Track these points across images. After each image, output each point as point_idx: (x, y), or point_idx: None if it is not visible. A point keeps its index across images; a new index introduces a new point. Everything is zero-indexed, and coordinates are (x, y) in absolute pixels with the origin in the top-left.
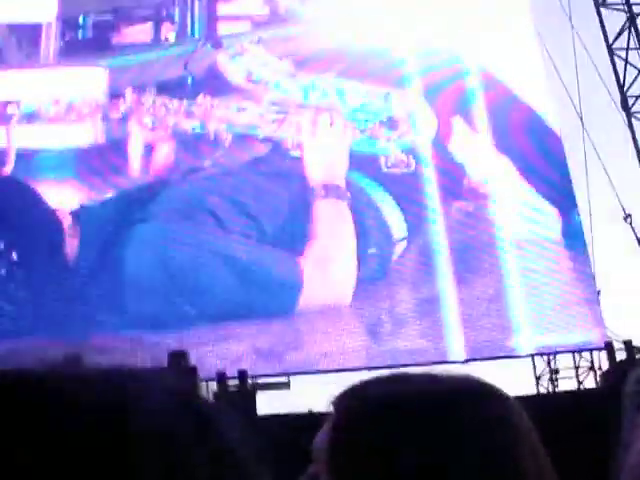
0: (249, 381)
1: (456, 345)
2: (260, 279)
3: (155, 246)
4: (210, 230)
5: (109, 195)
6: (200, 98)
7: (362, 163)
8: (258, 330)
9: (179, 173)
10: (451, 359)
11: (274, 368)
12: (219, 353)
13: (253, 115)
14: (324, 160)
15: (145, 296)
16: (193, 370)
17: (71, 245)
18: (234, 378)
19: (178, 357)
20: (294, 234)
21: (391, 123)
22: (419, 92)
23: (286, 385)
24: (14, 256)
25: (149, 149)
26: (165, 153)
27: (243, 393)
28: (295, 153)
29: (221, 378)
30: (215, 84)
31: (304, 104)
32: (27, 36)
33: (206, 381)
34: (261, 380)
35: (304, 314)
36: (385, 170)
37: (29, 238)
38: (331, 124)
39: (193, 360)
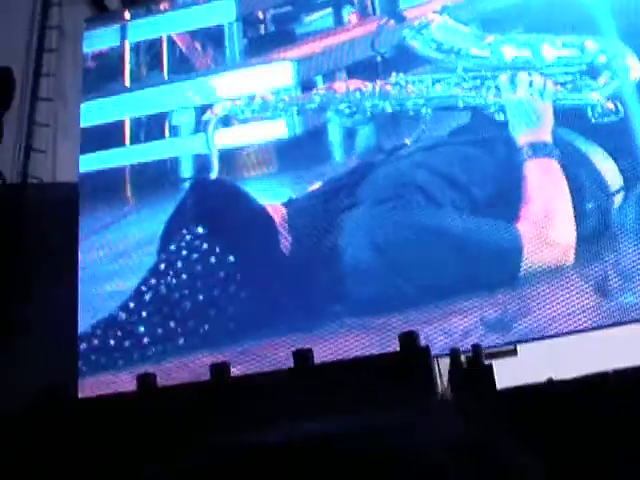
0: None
1: None
2: (479, 250)
3: (368, 230)
4: (421, 207)
5: (315, 185)
6: (393, 76)
7: (567, 117)
8: (483, 302)
9: (383, 154)
10: None
11: (503, 339)
12: (446, 329)
13: (449, 85)
14: (528, 119)
15: (365, 281)
16: (426, 349)
17: (285, 239)
18: (467, 352)
19: (409, 338)
20: (507, 199)
21: (592, 71)
22: (615, 35)
23: (513, 352)
24: (231, 258)
25: (349, 134)
26: (370, 136)
27: (479, 368)
28: (498, 117)
29: (454, 354)
30: (405, 59)
31: (499, 66)
32: (210, 40)
33: (437, 357)
34: (487, 351)
35: (527, 279)
36: (593, 121)
37: (243, 238)
38: (530, 82)
39: (422, 337)
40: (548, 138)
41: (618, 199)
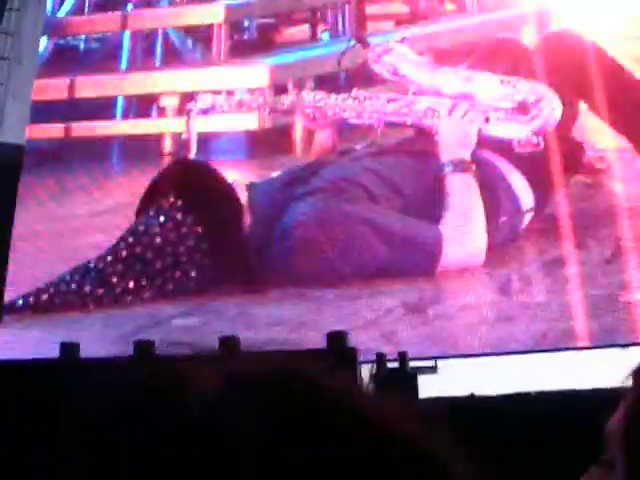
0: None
1: (576, 299)
2: (406, 244)
3: (316, 215)
4: (361, 201)
5: (276, 173)
6: (354, 91)
7: (496, 144)
8: (404, 287)
9: (335, 154)
10: (572, 313)
11: (420, 324)
12: (372, 306)
13: (400, 105)
14: (454, 140)
15: (310, 259)
16: (353, 351)
17: (246, 216)
18: (394, 361)
19: (337, 339)
20: (434, 206)
21: (522, 108)
22: (544, 78)
23: (433, 369)
24: (199, 229)
25: (310, 135)
26: (324, 139)
27: (404, 375)
28: (437, 137)
29: (380, 358)
30: (366, 78)
31: (443, 93)
32: (200, 38)
33: (362, 364)
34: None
35: (443, 273)
36: (516, 150)
37: (211, 213)
38: (466, 111)
39: (351, 310)
40: (467, 157)
41: (528, 217)
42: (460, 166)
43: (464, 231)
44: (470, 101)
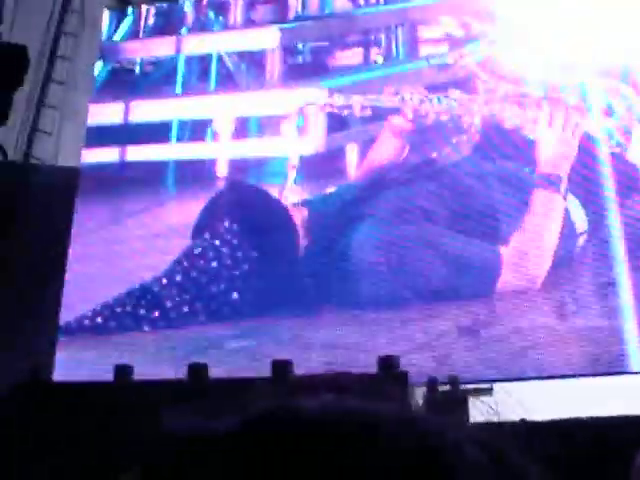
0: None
1: (630, 323)
2: (463, 265)
3: (376, 237)
4: (421, 223)
5: (330, 189)
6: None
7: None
8: (460, 309)
9: (396, 173)
10: (624, 336)
11: (474, 347)
12: (426, 328)
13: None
14: (554, 152)
15: (368, 281)
16: (404, 375)
17: (302, 239)
18: (445, 384)
19: (388, 362)
20: (502, 222)
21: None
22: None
23: (489, 391)
24: (255, 254)
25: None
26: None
27: (454, 399)
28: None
29: (431, 383)
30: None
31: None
32: (254, 62)
33: (415, 386)
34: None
35: (499, 296)
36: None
37: (266, 236)
38: (566, 119)
39: (409, 330)
40: (564, 173)
41: (582, 240)
42: (555, 184)
43: (528, 256)
44: (572, 109)
